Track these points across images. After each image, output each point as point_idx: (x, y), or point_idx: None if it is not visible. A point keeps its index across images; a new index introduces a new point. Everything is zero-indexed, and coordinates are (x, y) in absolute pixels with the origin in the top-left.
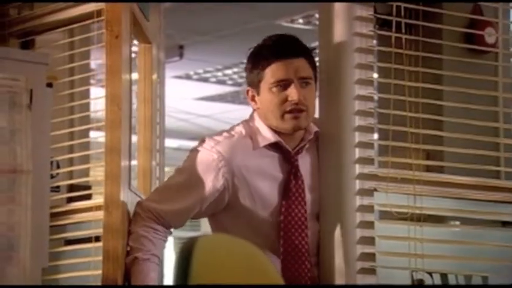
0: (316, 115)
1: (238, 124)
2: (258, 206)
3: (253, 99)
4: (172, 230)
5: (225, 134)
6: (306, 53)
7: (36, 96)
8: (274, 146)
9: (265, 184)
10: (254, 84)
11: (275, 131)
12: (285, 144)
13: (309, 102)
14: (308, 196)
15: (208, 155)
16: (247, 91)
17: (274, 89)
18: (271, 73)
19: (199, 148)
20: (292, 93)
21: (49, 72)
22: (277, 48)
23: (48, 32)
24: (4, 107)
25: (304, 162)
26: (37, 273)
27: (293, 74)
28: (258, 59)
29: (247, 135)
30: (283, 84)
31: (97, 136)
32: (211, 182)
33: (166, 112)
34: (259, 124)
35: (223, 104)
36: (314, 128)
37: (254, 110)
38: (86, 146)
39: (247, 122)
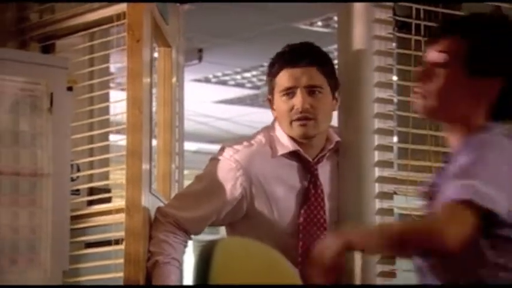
0: (334, 124)
1: (259, 132)
2: (275, 214)
3: (272, 107)
4: (192, 236)
5: (244, 143)
6: (319, 62)
7: (57, 100)
8: (293, 155)
9: (282, 192)
10: (270, 92)
11: (295, 140)
12: (303, 153)
13: (317, 110)
14: (327, 205)
15: (226, 164)
16: (268, 100)
17: (283, 98)
18: (280, 81)
19: (219, 157)
20: (297, 101)
21: (69, 76)
22: (288, 57)
23: (68, 36)
24: (25, 110)
25: (324, 171)
26: (58, 275)
27: (299, 82)
28: (272, 67)
29: (266, 143)
30: (290, 92)
31: (117, 139)
32: (230, 190)
33: (185, 115)
34: (279, 133)
35: (242, 107)
36: (335, 138)
37: (275, 118)
38: (106, 149)
39: (268, 131)
